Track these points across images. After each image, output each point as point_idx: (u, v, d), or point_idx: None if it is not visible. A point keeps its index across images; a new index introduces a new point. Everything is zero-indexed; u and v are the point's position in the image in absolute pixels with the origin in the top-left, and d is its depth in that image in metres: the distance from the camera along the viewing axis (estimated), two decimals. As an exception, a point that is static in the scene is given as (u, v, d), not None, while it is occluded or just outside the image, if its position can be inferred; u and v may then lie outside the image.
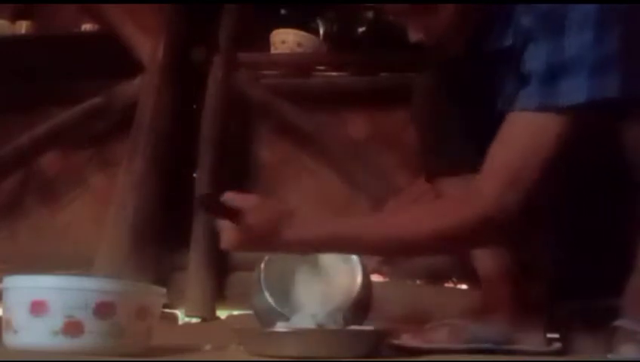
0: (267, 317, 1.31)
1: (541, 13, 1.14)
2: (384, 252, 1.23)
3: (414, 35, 1.23)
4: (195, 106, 2.47)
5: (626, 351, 1.12)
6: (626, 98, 1.09)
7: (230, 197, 1.16)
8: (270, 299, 1.32)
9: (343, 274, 1.37)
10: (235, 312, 2.22)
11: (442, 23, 1.19)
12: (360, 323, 1.31)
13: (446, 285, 2.24)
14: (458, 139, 1.37)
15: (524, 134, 1.12)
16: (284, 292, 1.36)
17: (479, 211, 1.12)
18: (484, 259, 1.40)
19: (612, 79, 1.09)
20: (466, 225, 1.13)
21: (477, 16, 1.22)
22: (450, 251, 1.22)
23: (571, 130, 1.10)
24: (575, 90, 1.09)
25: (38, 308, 1.05)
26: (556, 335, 1.43)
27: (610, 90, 1.09)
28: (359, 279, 1.36)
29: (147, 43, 2.46)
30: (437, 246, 1.21)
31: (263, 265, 1.35)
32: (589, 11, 1.10)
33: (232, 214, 1.13)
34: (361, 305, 1.37)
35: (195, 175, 2.39)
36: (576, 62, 1.09)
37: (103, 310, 1.06)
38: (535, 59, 1.13)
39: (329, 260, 1.38)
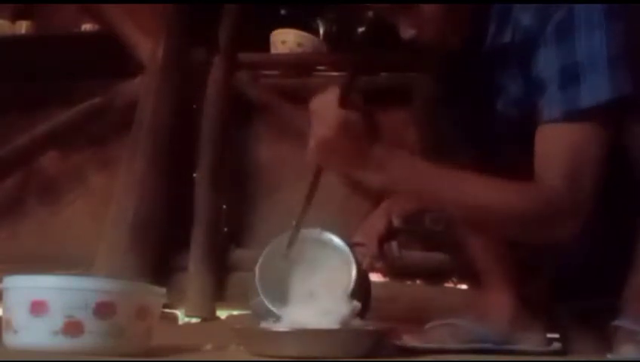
0: (265, 320, 1.31)
1: (543, 12, 1.14)
2: (453, 203, 1.16)
3: (406, 32, 1.23)
4: (195, 106, 2.47)
5: (626, 351, 1.12)
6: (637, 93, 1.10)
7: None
8: (267, 302, 1.32)
9: (338, 271, 1.37)
10: (235, 312, 2.22)
11: (433, 20, 1.20)
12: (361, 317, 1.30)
13: (446, 285, 2.24)
14: (459, 138, 1.37)
15: (561, 146, 1.12)
16: (280, 294, 1.35)
17: (555, 198, 1.11)
18: (485, 259, 1.40)
19: (626, 75, 1.10)
20: (538, 206, 1.12)
21: (471, 14, 1.22)
22: (514, 232, 1.18)
23: (605, 129, 1.11)
24: (595, 90, 1.09)
25: (38, 308, 1.05)
26: (556, 335, 1.43)
27: (627, 87, 1.10)
28: (354, 274, 1.35)
29: (147, 43, 2.46)
30: (503, 222, 1.15)
31: (257, 268, 1.35)
32: (594, 11, 1.10)
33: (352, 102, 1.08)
34: (359, 297, 1.36)
35: (195, 175, 2.39)
36: (590, 62, 1.10)
37: (103, 310, 1.06)
38: (548, 65, 1.14)
39: (323, 259, 1.38)
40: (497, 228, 1.21)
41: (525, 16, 1.17)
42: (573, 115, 1.11)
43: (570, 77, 1.11)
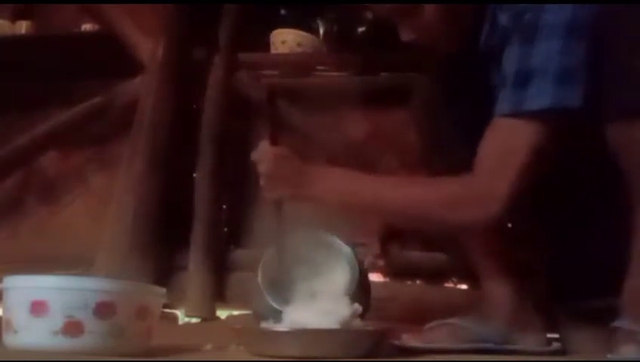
0: (269, 319, 1.31)
1: (516, 14, 1.19)
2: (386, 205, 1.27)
3: (406, 35, 1.25)
4: (195, 106, 2.47)
5: (626, 351, 1.12)
6: (589, 108, 1.13)
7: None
8: (271, 301, 1.32)
9: (340, 272, 1.37)
10: (235, 312, 2.22)
11: (432, 22, 1.21)
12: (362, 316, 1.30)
13: (446, 285, 2.24)
14: (457, 139, 1.37)
15: (500, 138, 1.19)
16: (283, 293, 1.35)
17: (475, 183, 1.19)
18: (485, 259, 1.40)
19: (575, 89, 1.13)
20: (459, 194, 1.20)
21: (468, 16, 1.23)
22: (438, 224, 1.26)
23: (542, 133, 1.16)
24: (540, 97, 1.14)
25: (38, 308, 1.05)
26: (556, 335, 1.43)
27: (571, 100, 1.13)
28: (355, 275, 1.36)
29: (147, 43, 2.46)
30: (424, 211, 1.24)
31: (260, 268, 1.35)
32: (559, 20, 1.14)
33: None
34: (359, 297, 1.36)
35: (195, 175, 2.39)
36: (542, 69, 1.14)
37: (103, 310, 1.06)
38: (508, 62, 1.19)
39: (325, 260, 1.38)
40: (413, 221, 1.32)
41: (503, 18, 1.22)
42: (516, 115, 1.16)
43: (522, 79, 1.16)
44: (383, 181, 1.34)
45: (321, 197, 1.29)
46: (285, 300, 1.32)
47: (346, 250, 1.37)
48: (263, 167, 1.30)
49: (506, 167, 1.17)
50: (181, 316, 2.23)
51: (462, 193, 1.20)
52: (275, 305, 1.30)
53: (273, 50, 2.64)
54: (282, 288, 1.35)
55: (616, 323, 1.17)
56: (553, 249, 1.44)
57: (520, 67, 1.17)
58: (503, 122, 1.19)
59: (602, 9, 1.15)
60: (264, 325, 1.24)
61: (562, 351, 1.37)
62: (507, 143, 1.18)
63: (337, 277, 1.36)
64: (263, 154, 1.30)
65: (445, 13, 1.22)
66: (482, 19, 1.25)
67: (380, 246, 1.38)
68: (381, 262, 1.37)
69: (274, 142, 1.33)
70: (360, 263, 1.38)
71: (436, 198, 1.22)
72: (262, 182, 1.31)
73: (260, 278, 1.34)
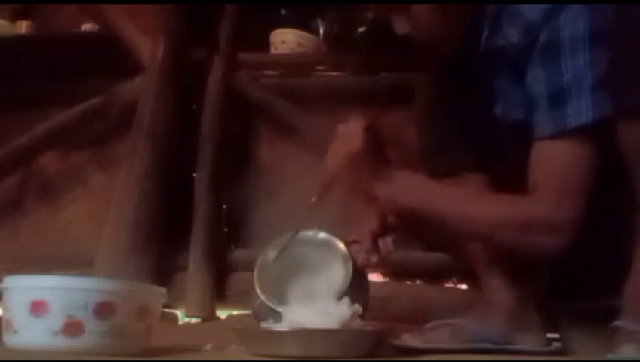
0: (269, 319, 1.31)
1: (527, 30, 1.19)
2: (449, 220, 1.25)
3: (400, 28, 1.26)
4: (195, 106, 2.47)
5: (626, 351, 1.12)
6: (619, 111, 1.14)
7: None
8: (268, 302, 1.32)
9: (337, 272, 1.37)
10: (235, 312, 2.22)
11: (428, 23, 1.22)
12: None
13: (446, 285, 2.24)
14: (459, 140, 1.37)
15: (553, 161, 1.19)
16: (280, 294, 1.35)
17: (544, 212, 1.18)
18: (484, 259, 1.40)
19: (608, 97, 1.15)
20: (534, 220, 1.18)
21: (466, 16, 1.24)
22: (506, 244, 1.26)
23: (590, 147, 1.17)
24: (581, 112, 1.16)
25: (38, 308, 1.05)
26: (556, 335, 1.43)
27: (609, 108, 1.15)
28: (350, 273, 1.35)
29: (147, 43, 2.46)
30: (499, 235, 1.22)
31: (256, 270, 1.35)
32: (578, 34, 1.16)
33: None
34: (358, 297, 1.36)
35: (195, 175, 2.39)
36: (575, 85, 1.16)
37: (103, 310, 1.06)
38: (537, 84, 1.20)
39: (322, 259, 1.38)
40: (482, 239, 1.31)
41: (513, 33, 1.23)
42: (561, 135, 1.18)
43: (557, 98, 1.18)
44: (456, 193, 1.31)
45: (388, 199, 1.28)
46: (282, 301, 1.32)
47: (343, 249, 1.37)
48: (343, 146, 1.27)
49: (569, 190, 1.17)
50: (181, 316, 2.23)
51: (537, 217, 1.19)
52: (272, 306, 1.30)
53: (273, 50, 2.64)
54: (279, 288, 1.35)
55: (617, 323, 1.17)
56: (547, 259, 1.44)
57: (552, 87, 1.18)
58: (549, 145, 1.19)
59: (608, 12, 1.16)
60: (264, 325, 1.24)
61: (562, 351, 1.37)
62: (562, 165, 1.18)
63: (335, 277, 1.36)
64: (352, 131, 1.28)
65: (441, 13, 1.23)
66: (482, 19, 1.24)
67: (372, 242, 1.37)
68: (374, 258, 1.36)
69: (370, 127, 1.28)
70: (355, 262, 1.38)
71: (512, 219, 1.21)
72: (333, 157, 1.29)
73: (255, 279, 1.34)
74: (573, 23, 1.16)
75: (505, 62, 1.25)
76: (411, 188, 1.27)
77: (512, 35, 1.22)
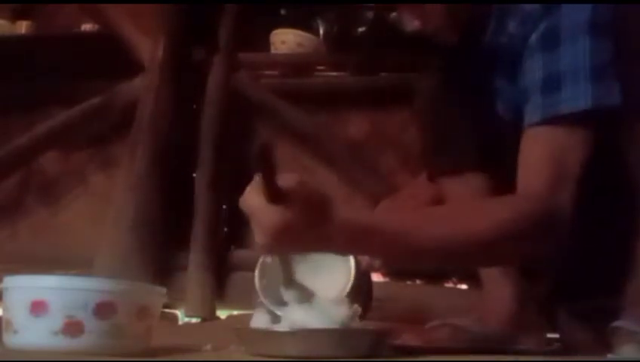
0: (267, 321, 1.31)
1: (527, 21, 1.16)
2: (432, 252, 1.04)
3: (409, 24, 1.24)
4: (195, 106, 2.47)
5: (626, 351, 1.12)
6: (625, 105, 1.10)
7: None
8: (268, 303, 1.31)
9: (339, 272, 1.37)
10: (235, 312, 2.22)
11: (437, 10, 1.20)
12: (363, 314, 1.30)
13: (446, 285, 2.24)
14: (460, 137, 1.37)
15: (544, 148, 1.11)
16: (281, 294, 1.35)
17: (537, 205, 1.07)
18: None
19: (612, 87, 1.10)
20: (526, 219, 1.06)
21: (471, 9, 1.23)
22: (506, 253, 1.10)
23: (585, 136, 1.11)
24: (577, 98, 1.09)
25: (38, 308, 1.05)
26: (556, 335, 1.43)
27: (611, 98, 1.10)
28: (352, 274, 1.35)
29: (147, 43, 2.46)
30: (494, 246, 1.06)
31: (257, 271, 1.35)
32: (581, 20, 1.11)
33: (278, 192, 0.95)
34: (360, 297, 1.36)
35: (195, 175, 2.39)
36: (573, 70, 1.10)
37: (103, 310, 1.06)
38: (532, 73, 1.15)
39: (324, 260, 1.38)
40: (485, 255, 1.11)
41: (512, 24, 1.20)
42: (552, 121, 1.11)
43: (552, 84, 1.11)
44: (417, 217, 1.11)
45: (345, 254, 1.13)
46: (284, 302, 1.32)
47: None
48: (261, 238, 0.97)
49: (561, 180, 1.09)
50: (181, 316, 2.23)
51: (531, 215, 1.07)
52: (273, 308, 1.30)
53: (273, 50, 2.64)
54: (281, 289, 1.35)
55: (617, 323, 1.17)
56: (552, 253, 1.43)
57: (548, 72, 1.12)
58: (540, 131, 1.12)
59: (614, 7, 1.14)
60: (263, 324, 1.23)
61: (562, 351, 1.37)
62: (554, 154, 1.10)
63: (337, 278, 1.36)
64: (262, 218, 0.98)
65: (447, 4, 1.22)
66: (487, 15, 1.24)
67: None
68: (378, 262, 1.36)
69: (271, 199, 0.97)
70: (358, 263, 1.38)
71: (507, 227, 1.05)
72: (258, 247, 1.00)
73: (257, 280, 1.34)
74: (578, 9, 1.12)
75: (507, 60, 1.24)
76: (364, 233, 1.02)
77: (513, 28, 1.19)
